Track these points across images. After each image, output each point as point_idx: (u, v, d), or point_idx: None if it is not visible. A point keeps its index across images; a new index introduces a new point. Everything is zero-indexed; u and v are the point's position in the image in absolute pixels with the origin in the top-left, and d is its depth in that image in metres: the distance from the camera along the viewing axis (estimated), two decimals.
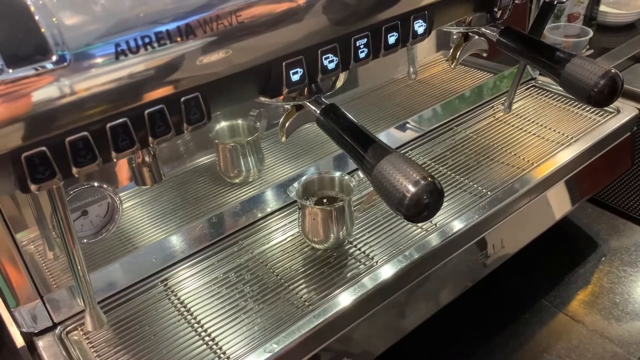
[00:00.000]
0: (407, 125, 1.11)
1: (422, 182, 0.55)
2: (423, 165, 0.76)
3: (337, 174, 0.88)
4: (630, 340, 0.91)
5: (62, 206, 0.54)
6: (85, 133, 0.44)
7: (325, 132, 0.65)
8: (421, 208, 0.56)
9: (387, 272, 0.79)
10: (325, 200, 0.87)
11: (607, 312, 0.96)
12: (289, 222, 0.92)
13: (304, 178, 0.87)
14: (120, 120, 0.45)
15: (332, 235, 0.83)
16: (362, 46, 0.58)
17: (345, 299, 0.75)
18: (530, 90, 1.22)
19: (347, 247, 0.86)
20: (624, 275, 1.03)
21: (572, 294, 1.01)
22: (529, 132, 1.08)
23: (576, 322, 0.96)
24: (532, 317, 0.97)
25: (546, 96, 1.19)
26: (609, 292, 1.00)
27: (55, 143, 0.43)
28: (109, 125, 0.45)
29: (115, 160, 0.46)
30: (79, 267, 0.57)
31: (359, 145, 0.61)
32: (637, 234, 1.12)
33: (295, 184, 0.85)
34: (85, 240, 0.75)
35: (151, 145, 0.48)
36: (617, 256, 1.07)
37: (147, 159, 0.59)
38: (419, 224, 0.89)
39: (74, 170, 0.44)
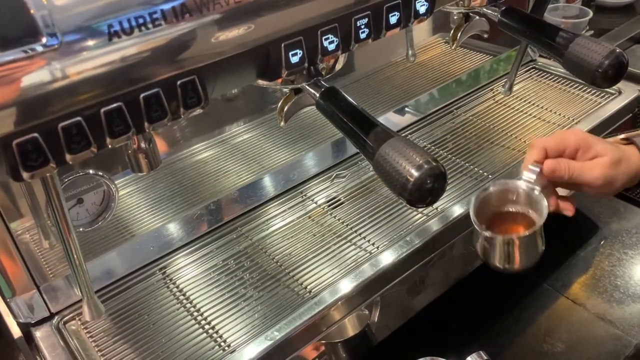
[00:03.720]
0: (406, 108, 1.09)
1: (426, 166, 0.54)
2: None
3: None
4: (632, 323, 0.91)
5: (56, 194, 0.52)
6: (79, 118, 0.42)
7: (324, 116, 0.63)
8: (425, 193, 0.55)
9: (388, 258, 0.78)
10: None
11: (608, 295, 0.96)
12: (288, 209, 0.90)
13: (479, 194, 0.72)
14: (115, 105, 0.44)
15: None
16: (363, 26, 0.56)
17: (346, 285, 0.74)
18: (531, 72, 1.20)
19: (347, 233, 0.85)
20: (625, 258, 1.02)
21: (573, 277, 1.00)
22: (530, 115, 1.07)
23: (578, 306, 0.95)
24: (533, 301, 0.96)
25: (547, 78, 1.18)
26: (610, 275, 0.99)
27: (48, 129, 0.41)
28: (103, 110, 0.43)
29: (110, 146, 0.45)
30: (75, 257, 0.56)
31: (360, 129, 0.59)
32: (638, 216, 1.11)
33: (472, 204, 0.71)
34: (81, 229, 0.74)
35: (147, 130, 0.46)
36: (618, 239, 1.06)
37: (142, 145, 0.58)
38: (420, 210, 0.88)
39: (68, 157, 0.43)
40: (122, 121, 0.44)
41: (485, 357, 0.74)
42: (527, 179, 0.69)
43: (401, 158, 0.55)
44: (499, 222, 0.73)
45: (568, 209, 0.74)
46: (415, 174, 0.54)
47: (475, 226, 0.69)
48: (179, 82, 0.46)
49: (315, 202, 0.91)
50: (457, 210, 0.85)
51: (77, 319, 0.73)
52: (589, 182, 0.70)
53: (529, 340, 0.90)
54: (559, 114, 1.06)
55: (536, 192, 0.69)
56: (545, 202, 0.68)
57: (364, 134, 0.58)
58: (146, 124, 0.46)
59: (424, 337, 0.84)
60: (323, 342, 0.74)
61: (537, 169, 0.69)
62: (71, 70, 0.41)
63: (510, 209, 0.73)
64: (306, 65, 0.55)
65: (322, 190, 0.94)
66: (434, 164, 0.54)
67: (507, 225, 0.73)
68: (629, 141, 0.74)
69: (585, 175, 0.70)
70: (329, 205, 0.91)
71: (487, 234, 0.68)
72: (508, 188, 0.71)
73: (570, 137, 0.70)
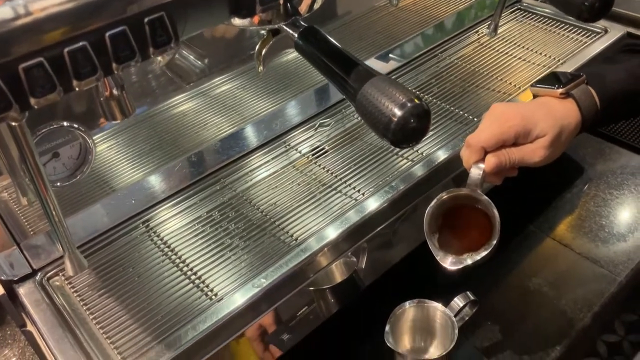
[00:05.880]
0: (390, 54, 1.07)
1: (409, 104, 0.53)
2: None
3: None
4: (616, 261, 0.92)
5: (27, 147, 0.50)
6: (41, 59, 0.40)
7: (304, 57, 0.61)
8: (408, 132, 0.54)
9: (373, 204, 0.78)
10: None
11: (593, 234, 0.97)
12: (272, 159, 0.89)
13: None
14: (79, 44, 0.41)
15: None
16: None
17: (332, 232, 0.74)
18: (516, 14, 1.17)
19: (332, 182, 0.83)
20: (610, 198, 1.03)
21: (559, 219, 1.00)
22: (515, 57, 1.05)
23: (563, 246, 0.96)
24: (519, 243, 0.97)
25: (532, 19, 1.15)
26: (596, 215, 1.00)
27: (8, 70, 0.39)
28: (66, 49, 0.41)
29: (77, 89, 0.43)
30: (53, 211, 0.55)
31: (341, 69, 0.57)
32: (623, 157, 1.11)
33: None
34: (58, 184, 0.72)
35: (115, 72, 0.44)
36: (604, 180, 1.06)
37: (115, 92, 0.55)
38: (405, 155, 0.87)
39: (32, 101, 0.41)
40: (88, 62, 0.42)
41: (473, 298, 0.75)
42: (473, 179, 0.70)
43: (384, 97, 0.53)
44: (454, 220, 0.74)
45: (512, 173, 0.75)
46: (399, 113, 0.53)
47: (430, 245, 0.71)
48: (146, 20, 0.44)
49: (300, 152, 0.90)
50: (442, 155, 0.85)
51: (60, 274, 0.72)
52: (532, 164, 0.71)
53: (515, 281, 0.91)
54: (545, 55, 1.04)
55: (484, 198, 0.70)
56: (496, 214, 0.69)
57: (345, 74, 0.56)
58: (114, 65, 0.43)
59: (411, 282, 0.85)
60: (311, 288, 0.74)
61: (482, 166, 0.69)
62: (30, 7, 0.38)
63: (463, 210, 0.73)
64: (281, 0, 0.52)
65: (306, 139, 0.92)
66: (418, 102, 0.53)
67: (462, 223, 0.74)
68: (567, 95, 0.73)
69: (526, 160, 0.71)
70: (313, 154, 0.89)
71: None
72: (459, 195, 0.71)
73: (509, 129, 0.69)
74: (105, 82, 0.54)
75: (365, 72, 0.56)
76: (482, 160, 0.70)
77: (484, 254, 0.68)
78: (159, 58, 0.85)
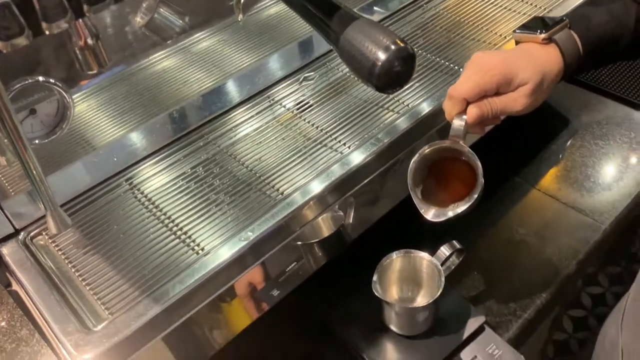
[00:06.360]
0: (374, 6, 1.05)
1: (393, 47, 0.52)
2: None
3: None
4: (601, 210, 0.93)
5: (2, 102, 0.48)
6: None
7: (285, 3, 0.59)
8: (393, 76, 0.53)
9: (359, 157, 0.77)
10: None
11: (579, 184, 0.97)
12: (256, 114, 0.88)
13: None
14: None
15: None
16: None
17: (317, 185, 0.73)
18: None
19: (318, 136, 0.82)
20: (595, 148, 1.03)
21: (545, 170, 1.01)
22: (501, 6, 1.03)
23: (549, 197, 0.97)
24: (505, 194, 0.98)
25: None
26: (581, 166, 1.00)
27: None
28: None
29: (47, 32, 0.41)
30: (33, 170, 0.53)
31: (323, 13, 0.56)
32: (608, 107, 1.11)
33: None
34: (37, 142, 0.70)
35: (87, 14, 0.42)
36: (589, 130, 1.06)
37: (89, 41, 0.54)
38: (391, 108, 0.86)
39: (0, 44, 0.39)
40: (57, 3, 0.40)
41: (459, 246, 0.75)
42: (455, 131, 0.68)
43: (367, 40, 0.52)
44: (439, 173, 0.73)
45: (495, 122, 0.74)
46: (383, 56, 0.52)
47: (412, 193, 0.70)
48: None
49: (284, 106, 0.88)
50: (428, 107, 0.84)
51: (44, 233, 0.71)
52: (515, 113, 0.70)
53: (501, 231, 0.92)
54: (531, 4, 1.02)
55: (467, 150, 0.68)
56: (479, 165, 0.67)
57: (327, 18, 0.55)
58: (85, 7, 0.42)
59: (398, 232, 0.85)
60: (299, 243, 0.74)
61: (464, 117, 0.68)
62: None
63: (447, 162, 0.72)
64: None
65: (290, 93, 0.90)
66: (402, 44, 0.52)
67: (446, 175, 0.73)
68: (550, 40, 0.72)
69: (509, 109, 0.69)
70: (298, 109, 0.88)
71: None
72: (442, 147, 0.69)
73: (490, 79, 0.68)
74: (79, 30, 0.52)
75: (348, 15, 0.54)
76: (465, 111, 0.69)
77: (465, 206, 0.68)
78: (138, 19, 0.83)
